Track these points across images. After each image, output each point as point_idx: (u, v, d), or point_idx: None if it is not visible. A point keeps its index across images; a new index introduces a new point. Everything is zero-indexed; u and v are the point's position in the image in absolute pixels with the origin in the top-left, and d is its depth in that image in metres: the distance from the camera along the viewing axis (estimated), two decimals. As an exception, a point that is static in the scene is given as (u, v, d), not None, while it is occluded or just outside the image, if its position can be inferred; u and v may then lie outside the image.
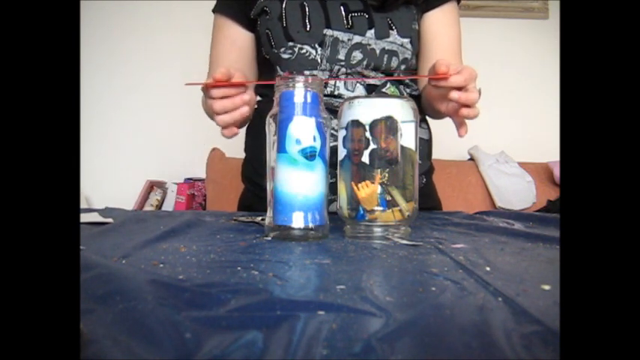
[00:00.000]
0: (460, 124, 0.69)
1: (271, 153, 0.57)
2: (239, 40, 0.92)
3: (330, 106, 0.83)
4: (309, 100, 0.56)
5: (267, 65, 0.91)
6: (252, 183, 0.95)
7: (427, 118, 0.96)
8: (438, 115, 0.89)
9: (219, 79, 0.62)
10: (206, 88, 0.65)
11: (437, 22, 0.91)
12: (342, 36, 0.83)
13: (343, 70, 0.84)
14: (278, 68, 0.87)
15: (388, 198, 0.55)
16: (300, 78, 0.56)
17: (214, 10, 0.94)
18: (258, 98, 0.97)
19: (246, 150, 0.99)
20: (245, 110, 0.65)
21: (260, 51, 0.91)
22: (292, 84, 0.56)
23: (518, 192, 1.84)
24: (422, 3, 0.89)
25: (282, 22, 0.83)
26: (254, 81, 0.69)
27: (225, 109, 0.65)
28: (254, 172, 0.94)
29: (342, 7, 0.84)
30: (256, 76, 0.95)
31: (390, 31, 0.84)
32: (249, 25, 0.90)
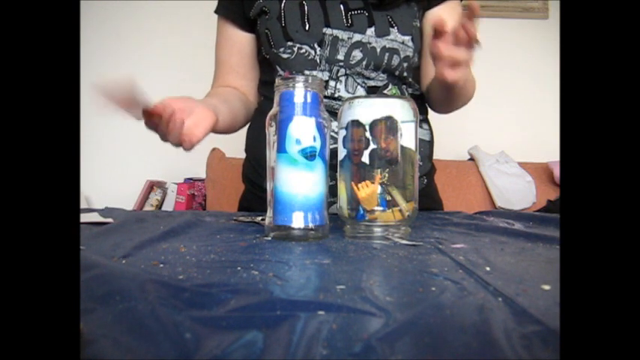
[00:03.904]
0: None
1: (271, 153, 0.57)
2: (239, 43, 0.93)
3: (330, 109, 0.83)
4: (309, 100, 0.56)
5: (267, 65, 0.91)
6: (252, 183, 0.95)
7: (429, 118, 0.96)
8: (444, 102, 0.88)
9: (147, 111, 0.61)
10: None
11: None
12: (342, 34, 0.82)
13: (342, 70, 0.84)
14: (278, 68, 0.87)
15: (388, 198, 0.55)
16: (300, 78, 0.56)
17: (216, 12, 0.95)
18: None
19: (246, 150, 0.99)
20: (179, 132, 0.63)
21: (260, 50, 0.91)
22: (292, 84, 0.56)
23: (518, 192, 1.84)
24: (423, 0, 0.89)
25: (280, 22, 0.83)
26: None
27: (162, 135, 0.65)
28: (254, 172, 0.94)
29: (341, 6, 0.83)
30: (258, 77, 0.96)
31: (391, 29, 0.83)
32: (249, 26, 0.91)
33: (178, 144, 0.65)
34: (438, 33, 0.65)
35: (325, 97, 0.83)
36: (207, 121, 0.67)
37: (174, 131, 0.62)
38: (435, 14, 0.90)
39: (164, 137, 0.65)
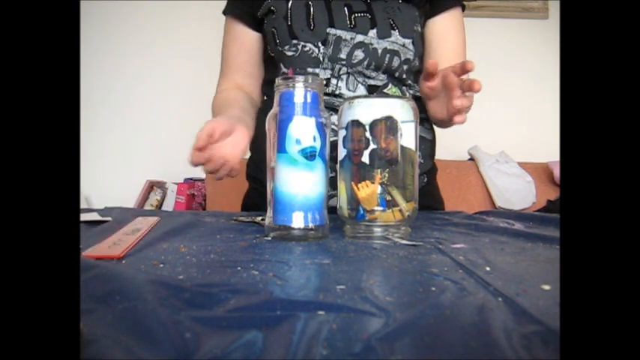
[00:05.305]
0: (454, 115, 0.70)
1: (271, 153, 0.57)
2: (248, 42, 0.95)
3: (330, 105, 0.85)
4: (309, 100, 0.56)
5: (271, 63, 0.93)
6: (256, 181, 0.97)
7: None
8: (436, 121, 0.90)
9: (199, 147, 0.64)
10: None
11: (441, 28, 0.92)
12: (345, 35, 0.85)
13: (344, 69, 0.85)
14: (281, 66, 0.88)
15: (388, 198, 0.55)
16: (300, 78, 0.56)
17: (224, 12, 0.97)
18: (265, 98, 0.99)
19: (250, 148, 0.99)
20: (222, 164, 0.68)
21: (265, 49, 0.93)
22: (292, 84, 0.56)
23: (518, 192, 1.84)
24: (425, 5, 0.90)
25: (287, 21, 0.85)
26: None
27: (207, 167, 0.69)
28: (258, 170, 0.95)
29: (345, 8, 0.85)
30: (263, 76, 0.97)
31: (392, 32, 0.85)
32: (257, 25, 0.93)
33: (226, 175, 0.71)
34: (429, 74, 0.70)
35: (326, 94, 0.85)
36: (244, 142, 0.73)
37: (218, 169, 0.69)
38: (436, 23, 0.91)
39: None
